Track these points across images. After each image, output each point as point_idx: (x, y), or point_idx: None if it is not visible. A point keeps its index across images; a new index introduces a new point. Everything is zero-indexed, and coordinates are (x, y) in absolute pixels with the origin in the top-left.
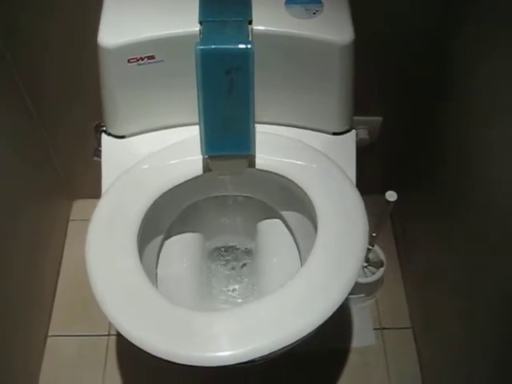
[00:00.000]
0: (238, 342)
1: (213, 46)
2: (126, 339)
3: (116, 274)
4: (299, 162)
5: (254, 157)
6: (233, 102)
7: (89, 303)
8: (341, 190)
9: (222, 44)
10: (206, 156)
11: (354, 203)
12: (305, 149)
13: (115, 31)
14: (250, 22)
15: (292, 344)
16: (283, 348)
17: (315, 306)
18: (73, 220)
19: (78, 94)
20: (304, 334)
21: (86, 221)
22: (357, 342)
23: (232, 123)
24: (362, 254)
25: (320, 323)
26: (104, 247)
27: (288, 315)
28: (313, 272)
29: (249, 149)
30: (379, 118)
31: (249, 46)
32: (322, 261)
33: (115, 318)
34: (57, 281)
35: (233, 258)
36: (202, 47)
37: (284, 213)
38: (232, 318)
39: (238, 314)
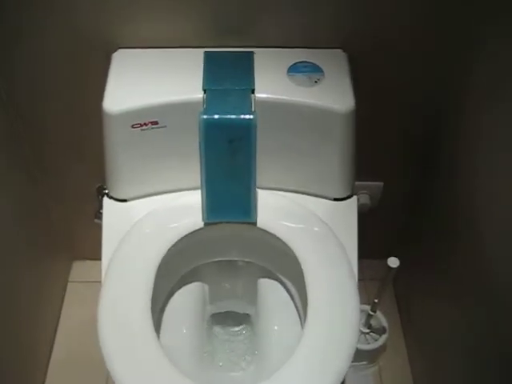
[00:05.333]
0: None
1: (216, 116)
2: None
3: (133, 348)
4: (298, 227)
5: (256, 224)
6: (235, 170)
7: (84, 368)
8: (338, 275)
9: (225, 114)
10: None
11: (350, 295)
12: (306, 215)
13: (120, 97)
14: (253, 91)
15: None
16: None
17: None
18: (71, 281)
19: (81, 156)
20: None
21: (85, 283)
22: None
23: (234, 190)
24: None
25: None
26: (118, 328)
27: None
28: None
29: (250, 216)
30: (380, 184)
31: (251, 117)
32: (305, 358)
33: None
34: (53, 343)
35: (233, 323)
36: (205, 117)
37: (284, 278)
38: None
39: None
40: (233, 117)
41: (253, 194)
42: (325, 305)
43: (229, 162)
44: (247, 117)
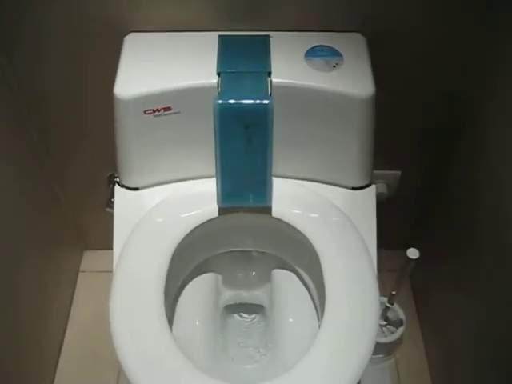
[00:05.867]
0: None
1: (231, 101)
2: None
3: (146, 344)
4: (316, 217)
5: (271, 209)
6: (251, 155)
7: (95, 359)
8: (357, 265)
9: (240, 99)
10: (222, 207)
11: (369, 287)
12: (324, 204)
13: (132, 82)
14: (269, 74)
15: None
16: None
17: None
18: (82, 271)
19: (92, 143)
20: None
21: (97, 273)
22: None
23: (249, 175)
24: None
25: None
26: (130, 319)
27: None
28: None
29: (265, 200)
30: (398, 172)
31: (268, 102)
32: (325, 350)
33: None
34: (63, 335)
35: (247, 314)
36: (220, 102)
37: (300, 269)
38: None
39: None
40: (249, 102)
41: (268, 179)
42: (344, 296)
43: (244, 147)
44: (264, 102)
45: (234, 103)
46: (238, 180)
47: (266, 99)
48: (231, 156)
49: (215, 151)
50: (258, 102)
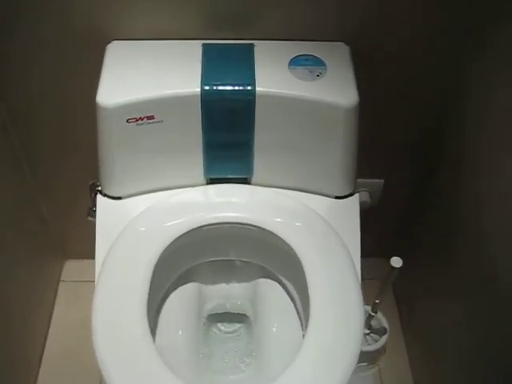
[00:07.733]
0: None
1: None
2: None
3: (128, 353)
4: (299, 225)
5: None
6: (235, 136)
7: (76, 371)
8: (340, 270)
9: (225, 85)
10: (207, 178)
11: (353, 295)
12: (307, 213)
13: (114, 90)
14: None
15: None
16: None
17: None
18: (63, 281)
19: (74, 152)
20: None
21: (78, 282)
22: None
23: (233, 151)
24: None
25: None
26: (112, 330)
27: None
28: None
29: (248, 172)
30: (381, 181)
31: (251, 88)
32: (310, 359)
33: None
34: (44, 345)
35: (230, 324)
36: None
37: (284, 279)
38: None
39: None
40: (233, 89)
41: (252, 154)
42: (328, 305)
43: (228, 129)
44: (247, 88)
45: (218, 90)
46: (222, 156)
47: (250, 85)
48: (215, 136)
49: (201, 130)
50: (241, 88)
